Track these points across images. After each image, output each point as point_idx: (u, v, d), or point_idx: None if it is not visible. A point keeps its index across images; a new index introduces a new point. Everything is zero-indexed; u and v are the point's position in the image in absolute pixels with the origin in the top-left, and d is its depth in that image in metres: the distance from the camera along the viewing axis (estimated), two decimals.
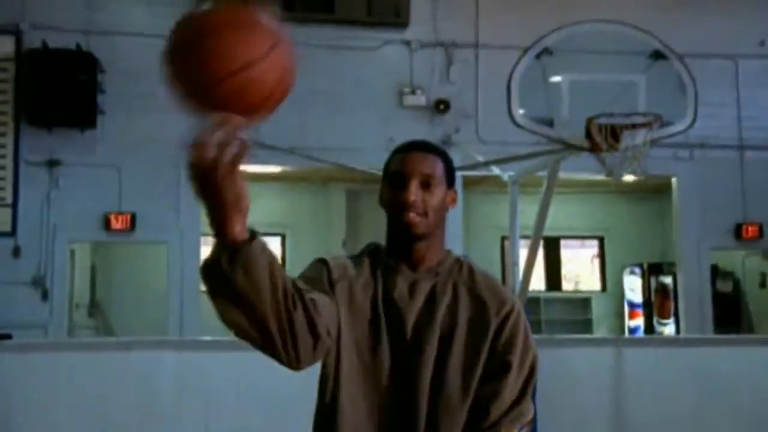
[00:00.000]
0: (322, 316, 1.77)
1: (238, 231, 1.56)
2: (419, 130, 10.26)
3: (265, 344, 1.68)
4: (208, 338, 6.19)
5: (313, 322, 1.73)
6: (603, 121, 6.01)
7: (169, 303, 9.64)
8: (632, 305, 13.93)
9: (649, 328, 13.51)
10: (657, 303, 13.53)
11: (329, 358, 1.94)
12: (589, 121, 6.06)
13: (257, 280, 1.59)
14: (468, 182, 10.48)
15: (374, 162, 10.21)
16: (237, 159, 1.53)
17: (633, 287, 13.97)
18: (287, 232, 13.57)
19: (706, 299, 10.75)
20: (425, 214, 1.96)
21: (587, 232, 14.53)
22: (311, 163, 9.94)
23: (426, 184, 1.97)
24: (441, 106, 10.23)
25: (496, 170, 9.27)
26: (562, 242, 14.42)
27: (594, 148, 6.14)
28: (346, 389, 1.93)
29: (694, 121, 6.48)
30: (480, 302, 2.00)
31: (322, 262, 2.04)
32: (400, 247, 2.01)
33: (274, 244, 13.78)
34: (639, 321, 13.73)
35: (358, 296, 1.97)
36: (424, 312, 1.97)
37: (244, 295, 1.59)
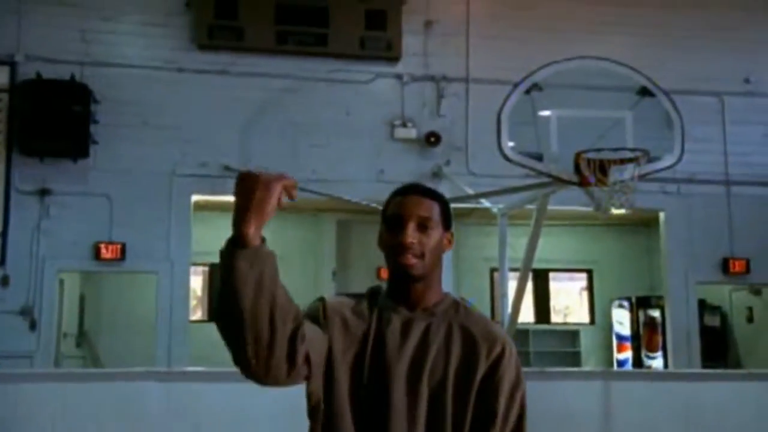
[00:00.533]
0: (306, 349, 1.83)
1: (252, 231, 1.75)
2: (410, 162, 10.30)
3: (239, 344, 1.78)
4: (195, 369, 6.15)
5: (294, 350, 1.81)
6: (591, 155, 6.06)
7: (158, 333, 9.57)
8: (620, 338, 13.91)
9: (638, 361, 13.48)
10: (645, 336, 13.52)
11: (315, 390, 1.96)
12: (578, 155, 6.10)
13: (254, 278, 1.75)
14: (458, 214, 10.47)
15: (365, 193, 10.30)
16: (281, 184, 1.79)
17: (621, 320, 13.96)
18: (280, 265, 13.50)
19: (693, 333, 10.76)
20: (422, 256, 2.01)
21: (576, 265, 14.55)
22: (302, 194, 9.95)
23: (423, 227, 2.03)
24: (432, 139, 10.28)
25: (485, 203, 9.31)
26: (551, 275, 14.44)
27: (582, 183, 6.18)
28: (339, 423, 1.94)
29: (681, 156, 6.54)
30: (472, 343, 2.02)
31: (320, 300, 2.08)
32: (399, 287, 2.06)
33: None
34: (627, 354, 13.70)
35: (351, 331, 2.00)
36: (416, 351, 2.00)
37: (238, 288, 1.74)
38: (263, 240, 1.81)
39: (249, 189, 1.77)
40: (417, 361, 1.98)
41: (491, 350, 2.01)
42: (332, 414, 1.95)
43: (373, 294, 2.12)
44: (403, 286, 2.05)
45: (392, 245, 2.02)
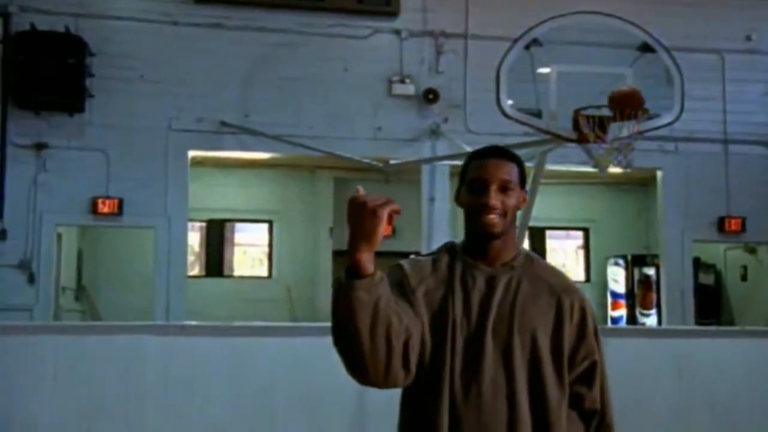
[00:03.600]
0: (417, 352, 1.98)
1: (366, 257, 1.87)
2: (408, 119, 10.23)
3: (357, 363, 1.93)
4: (192, 323, 6.17)
5: (407, 360, 1.96)
6: (590, 112, 6.01)
7: (155, 288, 9.60)
8: (615, 296, 13.98)
9: (632, 318, 13.57)
10: (640, 294, 13.59)
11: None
12: (577, 112, 6.06)
13: (372, 306, 1.88)
14: (456, 172, 10.46)
15: (362, 150, 10.22)
16: (387, 210, 1.85)
17: (616, 278, 14.02)
18: (275, 219, 13.53)
19: (688, 291, 10.81)
20: (504, 215, 2.11)
21: (573, 224, 14.55)
22: (300, 151, 9.91)
23: (504, 189, 2.12)
24: (430, 96, 10.20)
25: None
26: (548, 233, 14.44)
27: (581, 140, 6.15)
28: (436, 383, 2.03)
29: (680, 114, 6.49)
30: (555, 295, 2.14)
31: (399, 268, 2.15)
32: (478, 245, 2.15)
33: (261, 231, 13.75)
34: (622, 311, 13.79)
35: (436, 296, 2.09)
36: (503, 304, 2.09)
37: (357, 315, 1.88)
38: (375, 264, 1.91)
39: (359, 217, 1.86)
40: (505, 314, 2.07)
41: (574, 302, 2.14)
42: (427, 379, 2.03)
43: (448, 252, 2.19)
44: (484, 244, 2.13)
45: (475, 206, 2.11)
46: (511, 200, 2.11)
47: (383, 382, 1.95)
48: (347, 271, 1.89)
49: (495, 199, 2.09)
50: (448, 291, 2.09)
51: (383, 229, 1.85)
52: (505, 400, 2.01)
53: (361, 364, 1.92)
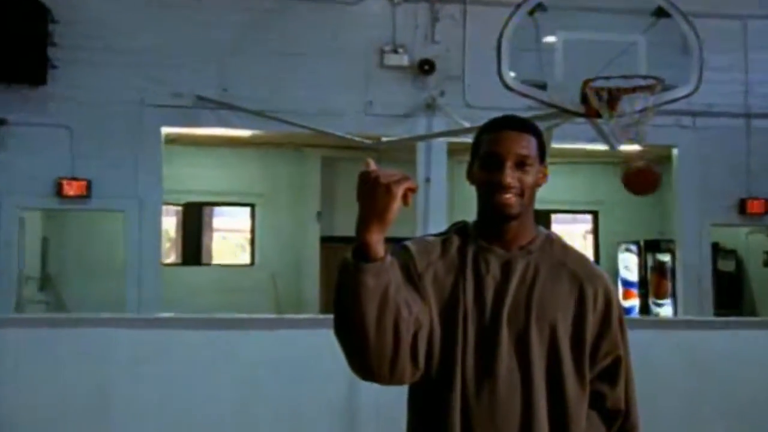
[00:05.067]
0: (425, 343, 1.97)
1: (375, 239, 1.85)
2: (401, 92, 10.20)
3: (362, 355, 1.91)
4: (167, 315, 6.16)
5: (416, 353, 1.95)
6: (600, 84, 6.00)
7: (127, 277, 9.58)
8: (627, 284, 14.03)
9: (645, 308, 13.63)
10: (653, 282, 13.64)
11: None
12: (585, 84, 6.04)
13: (380, 292, 1.86)
14: (453, 150, 10.45)
15: (352, 127, 10.17)
16: (403, 187, 1.84)
17: (628, 265, 14.07)
18: (257, 202, 13.52)
19: (705, 279, 10.83)
20: (521, 194, 2.07)
21: (580, 206, 14.59)
22: (284, 128, 9.87)
23: (521, 164, 2.08)
24: (425, 67, 10.16)
25: None
26: (553, 216, 14.47)
27: (590, 114, 6.13)
28: (447, 378, 2.02)
29: (698, 85, 6.47)
30: (577, 282, 2.10)
31: (404, 249, 2.11)
32: (493, 226, 2.11)
33: (242, 215, 13.74)
34: (634, 301, 13.84)
35: (446, 283, 2.06)
36: (519, 291, 2.06)
37: (364, 303, 1.86)
38: (385, 246, 1.89)
39: (371, 193, 1.84)
40: (522, 303, 2.05)
41: (597, 289, 2.10)
42: (436, 375, 2.01)
43: (459, 232, 2.16)
44: (499, 225, 2.10)
45: (489, 184, 2.07)
46: (529, 177, 2.07)
47: (389, 377, 1.94)
48: (354, 252, 1.87)
49: (511, 176, 2.05)
50: (459, 276, 2.07)
51: (397, 208, 1.83)
52: (520, 398, 2.00)
53: (365, 357, 1.91)
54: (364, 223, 1.85)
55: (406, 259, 2.07)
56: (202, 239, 13.74)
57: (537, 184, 2.12)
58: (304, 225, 13.23)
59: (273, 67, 9.94)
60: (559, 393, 2.03)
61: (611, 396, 2.10)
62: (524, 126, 2.12)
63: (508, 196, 2.04)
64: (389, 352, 1.90)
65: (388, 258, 1.88)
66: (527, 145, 2.08)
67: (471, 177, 2.16)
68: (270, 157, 13.24)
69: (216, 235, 14.13)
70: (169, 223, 13.21)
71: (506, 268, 2.08)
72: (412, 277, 2.04)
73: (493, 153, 2.07)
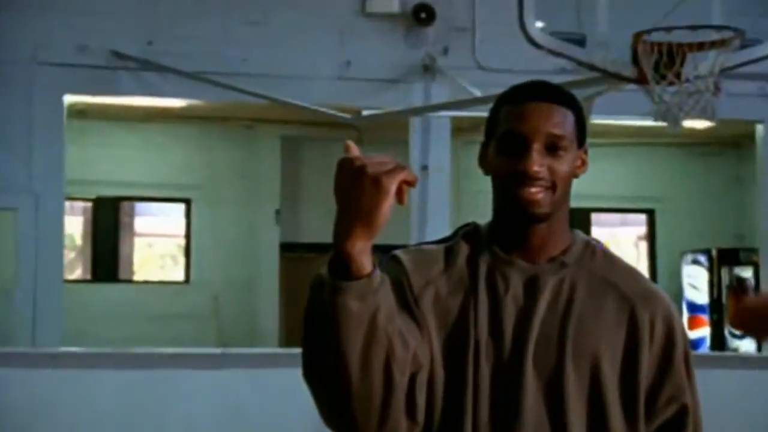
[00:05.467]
0: (424, 388, 1.96)
1: (360, 249, 1.82)
2: (389, 50, 10.23)
3: (341, 405, 1.90)
4: (71, 350, 6.19)
5: (413, 404, 1.94)
6: (657, 38, 6.04)
7: (18, 298, 9.58)
8: (694, 308, 14.11)
9: (718, 341, 13.70)
10: (731, 306, 13.71)
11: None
12: (637, 38, 6.08)
13: (367, 319, 1.85)
14: (459, 128, 10.51)
15: (323, 95, 10.21)
16: (397, 179, 1.82)
17: (696, 283, 14.14)
18: (194, 197, 13.51)
19: None
20: (552, 188, 2.06)
21: (631, 204, 14.66)
22: (230, 96, 9.88)
23: (553, 147, 2.06)
24: (422, 15, 10.20)
25: None
26: (594, 217, 14.55)
27: (642, 79, 6.18)
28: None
29: None
30: (627, 307, 2.09)
31: (395, 262, 2.11)
32: (513, 230, 2.10)
33: (174, 215, 13.73)
34: (704, 331, 13.92)
35: (451, 307, 2.05)
36: (550, 318, 2.05)
37: (345, 334, 1.84)
38: (373, 258, 1.88)
39: (354, 188, 1.81)
40: (553, 334, 2.04)
41: (656, 316, 2.09)
42: (442, 429, 2.01)
43: (468, 238, 2.16)
44: (521, 229, 2.09)
45: (508, 174, 2.06)
46: (563, 165, 2.06)
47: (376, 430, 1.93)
48: (331, 267, 1.85)
49: (539, 163, 2.03)
50: (469, 298, 2.06)
51: (390, 208, 1.81)
52: None
53: (346, 409, 1.90)
54: (344, 227, 1.82)
55: (398, 275, 2.06)
56: (119, 247, 13.71)
57: (574, 175, 2.11)
58: (258, 228, 13.23)
59: (214, 14, 9.96)
60: None
61: None
62: (558, 96, 2.10)
63: (534, 190, 2.03)
64: (378, 402, 1.89)
65: (377, 274, 1.86)
66: (562, 122, 2.07)
67: (485, 164, 2.15)
68: (211, 137, 13.23)
69: (138, 242, 14.12)
70: (75, 225, 13.19)
71: (532, 287, 2.07)
72: (406, 300, 2.03)
73: (516, 132, 2.06)
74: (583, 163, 2.14)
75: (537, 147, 2.04)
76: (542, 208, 2.04)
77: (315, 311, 1.87)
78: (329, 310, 1.83)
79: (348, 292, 1.82)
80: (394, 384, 1.89)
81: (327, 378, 1.89)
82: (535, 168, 2.02)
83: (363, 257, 1.83)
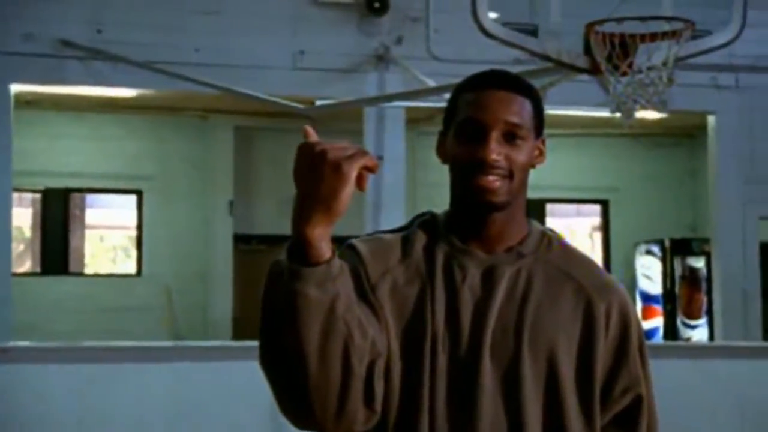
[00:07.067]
0: (382, 377, 1.98)
1: (319, 235, 1.85)
2: (343, 40, 10.21)
3: (298, 395, 1.92)
4: (19, 344, 6.15)
5: (372, 392, 1.95)
6: (609, 29, 6.07)
7: None
8: (647, 299, 14.21)
9: (671, 331, 13.81)
10: (683, 296, 13.83)
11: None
12: (589, 29, 6.11)
13: (326, 307, 1.87)
14: (414, 118, 10.52)
15: (276, 86, 10.19)
16: (358, 164, 1.83)
17: (649, 273, 14.24)
18: (146, 188, 13.43)
19: (752, 291, 11.01)
20: (509, 176, 2.07)
21: (585, 194, 14.72)
22: (182, 86, 9.83)
23: (511, 136, 2.07)
24: (375, 5, 10.20)
25: None
26: (549, 207, 14.60)
27: (595, 70, 6.21)
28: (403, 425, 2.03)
29: (740, 30, 6.57)
30: (583, 298, 2.11)
31: (351, 251, 2.11)
32: (470, 219, 2.11)
33: (126, 206, 13.65)
34: (657, 321, 14.02)
35: (408, 297, 2.06)
36: (507, 309, 2.06)
37: (304, 322, 1.86)
38: (333, 245, 1.89)
39: (314, 173, 1.82)
40: (510, 325, 2.05)
41: (611, 306, 2.11)
42: (396, 422, 2.02)
43: (425, 228, 2.16)
44: (478, 218, 2.10)
45: (466, 161, 2.07)
46: (521, 154, 2.08)
47: (334, 424, 1.93)
48: (290, 253, 1.86)
49: (497, 151, 2.05)
50: (426, 288, 2.06)
51: (350, 193, 1.82)
52: None
53: (304, 397, 1.90)
54: (304, 213, 1.83)
55: (355, 264, 2.06)
56: (68, 239, 13.60)
57: (531, 165, 2.12)
58: (211, 220, 13.18)
59: (166, 3, 9.90)
60: None
61: None
62: (517, 85, 2.12)
63: (492, 178, 2.05)
64: (336, 390, 1.90)
65: (336, 262, 1.88)
66: (520, 111, 2.08)
67: (442, 152, 2.16)
68: (163, 127, 13.16)
69: (89, 234, 14.01)
70: (23, 218, 13.07)
71: (489, 277, 2.08)
72: (362, 289, 2.03)
73: (474, 120, 2.07)
74: (541, 153, 2.15)
75: (495, 135, 2.05)
76: (499, 196, 2.06)
77: (273, 298, 1.88)
78: (288, 297, 1.85)
79: (307, 278, 1.84)
80: (352, 372, 1.90)
81: (284, 366, 1.90)
82: (493, 156, 2.04)
83: (322, 243, 1.85)
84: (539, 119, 2.14)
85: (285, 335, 1.87)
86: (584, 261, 2.18)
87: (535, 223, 2.20)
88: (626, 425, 2.11)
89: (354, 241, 2.13)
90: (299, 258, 1.85)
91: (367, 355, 1.93)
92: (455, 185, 2.12)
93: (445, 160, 2.15)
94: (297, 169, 1.84)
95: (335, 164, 1.80)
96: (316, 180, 1.81)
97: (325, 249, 1.85)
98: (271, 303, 1.89)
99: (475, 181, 2.05)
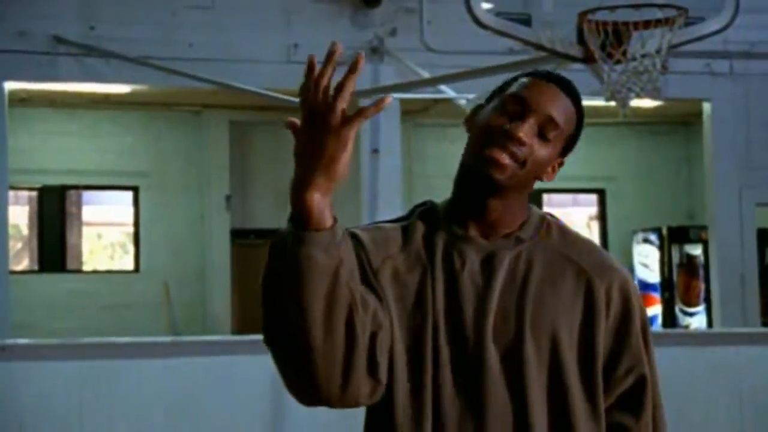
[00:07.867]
0: (386, 351, 1.98)
1: (320, 200, 1.84)
2: (336, 32, 10.19)
3: (303, 367, 1.91)
4: (22, 341, 6.15)
5: (375, 363, 1.95)
6: (602, 17, 6.07)
7: None
8: (645, 286, 14.20)
9: (670, 318, 13.83)
10: (681, 283, 13.85)
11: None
12: (582, 17, 6.11)
13: (329, 274, 1.86)
14: (409, 111, 10.51)
15: (270, 80, 10.20)
16: (357, 123, 1.83)
17: (646, 261, 14.25)
18: (143, 185, 13.42)
19: (750, 278, 11.00)
20: (521, 163, 2.06)
21: (582, 183, 14.69)
22: (177, 81, 9.82)
23: (544, 131, 2.08)
24: None
25: (449, 92, 9.29)
26: (546, 197, 14.61)
27: (589, 59, 6.21)
28: (405, 414, 2.02)
29: (734, 16, 6.57)
30: (584, 282, 2.11)
31: (353, 238, 2.08)
32: (469, 202, 2.11)
33: (123, 203, 13.63)
34: (655, 309, 14.02)
35: (409, 284, 2.07)
36: (508, 294, 2.06)
37: (308, 290, 1.86)
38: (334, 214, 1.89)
39: (312, 135, 1.83)
40: (511, 309, 2.06)
41: (612, 288, 2.11)
42: (404, 405, 2.02)
43: (424, 217, 2.16)
44: (478, 197, 2.09)
45: (493, 129, 2.07)
46: (543, 151, 2.08)
47: (340, 394, 1.93)
48: (293, 219, 1.87)
49: (526, 133, 2.05)
50: (427, 276, 2.06)
51: (348, 156, 1.84)
52: None
53: (308, 369, 1.90)
54: (305, 179, 1.84)
55: (357, 250, 2.04)
56: (66, 237, 13.59)
57: (542, 170, 2.12)
58: (208, 215, 13.17)
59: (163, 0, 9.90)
60: (564, 428, 2.05)
61: (635, 430, 2.11)
62: (575, 97, 2.13)
63: (505, 154, 2.04)
64: (340, 359, 1.89)
65: (339, 230, 1.88)
66: (564, 114, 2.10)
67: (471, 121, 2.15)
68: (158, 123, 13.15)
69: (87, 231, 13.99)
70: (20, 215, 13.05)
71: (489, 263, 2.07)
72: (364, 273, 2.03)
73: (521, 98, 2.08)
74: (553, 170, 2.16)
75: (533, 120, 2.06)
76: (503, 173, 2.04)
77: (277, 266, 1.88)
78: (293, 262, 1.84)
79: (312, 242, 1.84)
80: (356, 340, 1.90)
81: (290, 336, 1.90)
82: (521, 134, 2.04)
83: (325, 210, 1.85)
84: (572, 141, 2.15)
85: (289, 304, 1.87)
86: (585, 243, 2.19)
87: (534, 208, 2.20)
88: (631, 406, 2.11)
89: (355, 229, 2.12)
90: (302, 223, 1.85)
91: (369, 325, 1.94)
92: (465, 155, 2.12)
93: (469, 129, 2.14)
94: (298, 134, 1.86)
95: (336, 127, 1.82)
96: (322, 144, 1.82)
97: (328, 216, 1.86)
98: (276, 271, 1.89)
99: (489, 149, 2.04)
